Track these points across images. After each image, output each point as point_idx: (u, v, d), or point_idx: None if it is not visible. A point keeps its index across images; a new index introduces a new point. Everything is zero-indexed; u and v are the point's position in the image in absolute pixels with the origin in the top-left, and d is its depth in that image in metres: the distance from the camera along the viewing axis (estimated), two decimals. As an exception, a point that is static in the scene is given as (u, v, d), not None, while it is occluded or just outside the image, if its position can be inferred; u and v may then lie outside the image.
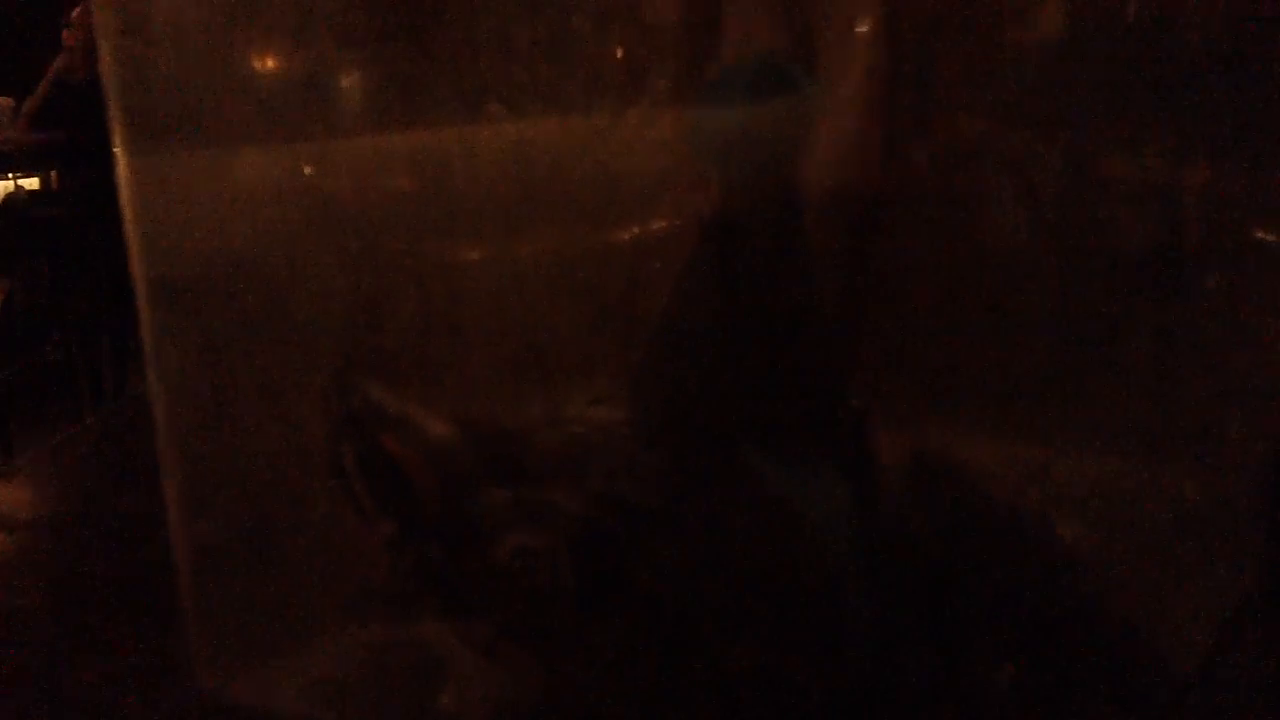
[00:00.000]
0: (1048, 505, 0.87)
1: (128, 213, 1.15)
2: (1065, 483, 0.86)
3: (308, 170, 1.18)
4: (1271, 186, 0.83)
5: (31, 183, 5.13)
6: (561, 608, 0.93)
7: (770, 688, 0.88)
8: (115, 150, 1.16)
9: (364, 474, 1.02)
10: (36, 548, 1.53)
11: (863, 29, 0.85)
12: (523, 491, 0.96)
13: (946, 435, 0.88)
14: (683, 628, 0.90)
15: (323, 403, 1.07)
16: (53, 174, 4.82)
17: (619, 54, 1.02)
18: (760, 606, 0.89)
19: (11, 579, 1.44)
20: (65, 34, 4.02)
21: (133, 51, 1.16)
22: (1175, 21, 0.83)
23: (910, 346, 0.88)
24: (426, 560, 1.00)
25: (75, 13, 3.98)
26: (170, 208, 1.19)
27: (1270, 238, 0.83)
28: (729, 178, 0.93)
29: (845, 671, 0.89)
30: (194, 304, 1.17)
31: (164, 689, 1.13)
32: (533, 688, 0.97)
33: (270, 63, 1.19)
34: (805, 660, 0.87)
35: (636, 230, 0.99)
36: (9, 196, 5.03)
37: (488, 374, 1.06)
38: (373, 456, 1.02)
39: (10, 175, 5.14)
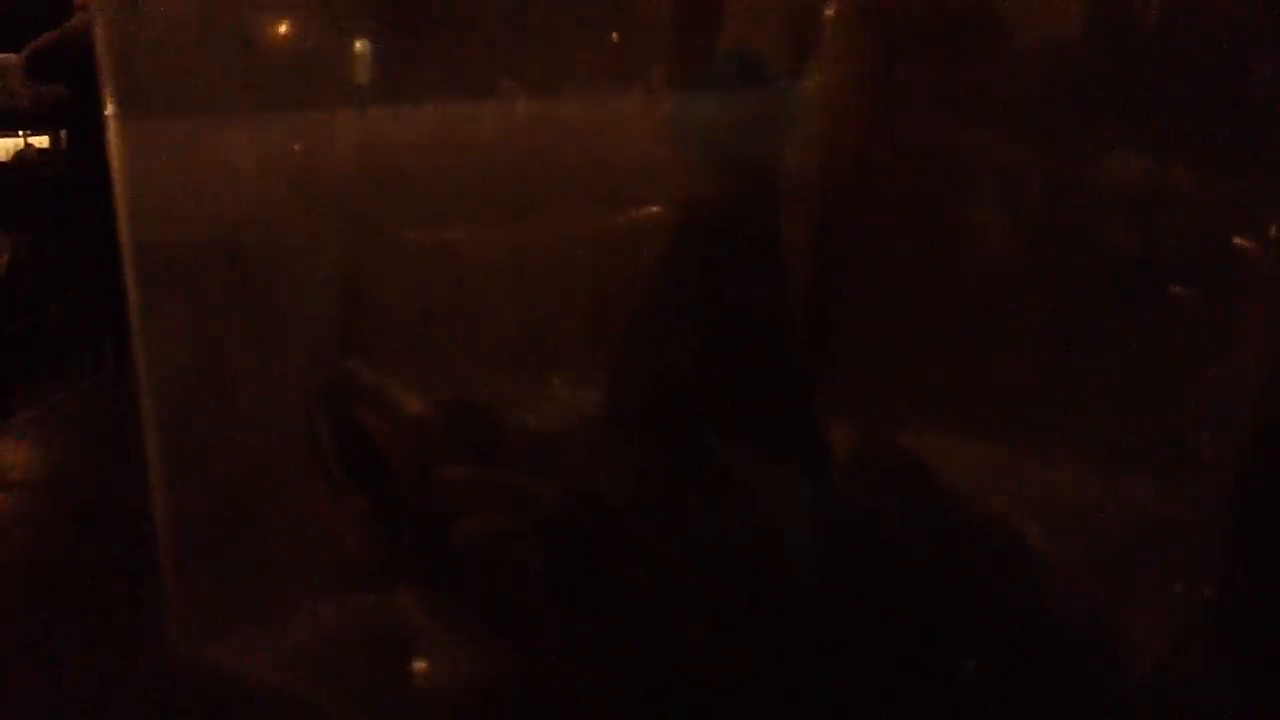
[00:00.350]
0: (1017, 508, 0.88)
1: (117, 181, 1.16)
2: (1035, 487, 0.87)
3: (301, 144, 1.19)
4: (1244, 201, 0.83)
5: (41, 140, 5.13)
6: (527, 589, 0.95)
7: (734, 676, 0.89)
8: (107, 118, 1.17)
9: (337, 445, 1.03)
10: (29, 506, 1.54)
11: (848, 29, 0.85)
12: (494, 473, 0.96)
13: (919, 436, 0.89)
14: (650, 615, 0.91)
15: (302, 374, 1.08)
16: (63, 132, 4.80)
17: (611, 41, 1.02)
18: (727, 597, 0.90)
19: (2, 536, 1.46)
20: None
21: (127, 23, 1.16)
22: (1161, 31, 0.83)
23: (885, 347, 0.88)
24: (396, 535, 1.01)
25: (85, -29, 3.95)
26: (161, 178, 1.20)
27: (1240, 254, 0.84)
28: (709, 170, 0.93)
29: (812, 663, 0.90)
30: (182, 274, 1.18)
31: (145, 650, 1.15)
32: (498, 664, 0.98)
33: (270, 36, 1.19)
34: (769, 649, 0.88)
35: (622, 218, 1.00)
36: (18, 154, 5.03)
37: (467, 354, 1.07)
38: (347, 429, 1.03)
39: (20, 132, 5.13)
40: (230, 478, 1.16)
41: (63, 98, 3.79)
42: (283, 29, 1.18)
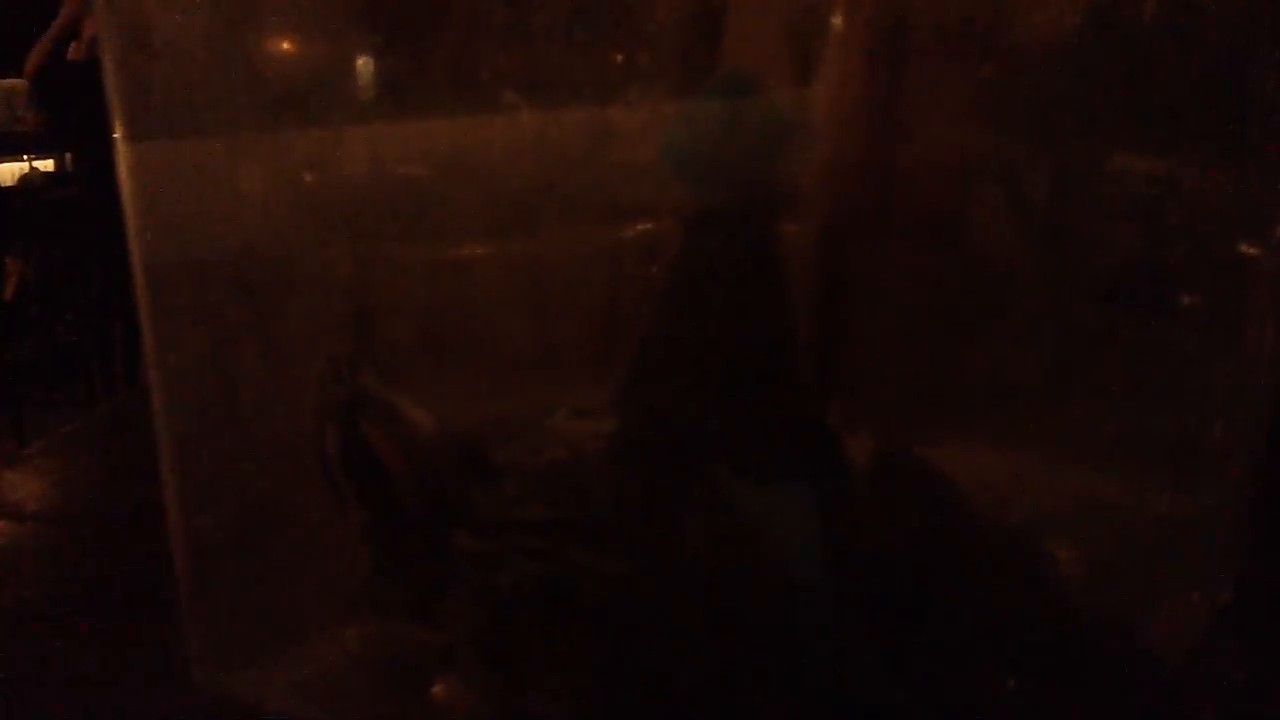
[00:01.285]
0: (1027, 517, 0.88)
1: (127, 202, 1.16)
2: (1044, 494, 0.86)
3: (310, 164, 1.19)
4: (1255, 198, 0.82)
5: (46, 164, 5.16)
6: (522, 622, 0.94)
7: (738, 708, 0.88)
8: (116, 139, 1.17)
9: (343, 459, 1.03)
10: (44, 539, 1.54)
11: (845, 37, 0.85)
12: (495, 499, 0.96)
13: (927, 447, 0.88)
14: (652, 648, 0.91)
15: (311, 385, 1.08)
16: (67, 156, 4.82)
17: (617, 57, 1.02)
18: (734, 625, 0.89)
19: (17, 570, 1.46)
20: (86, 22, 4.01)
21: (135, 46, 1.16)
22: (1162, 29, 0.83)
23: (890, 358, 0.88)
24: (400, 555, 1.01)
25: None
26: (171, 200, 1.20)
27: (1253, 250, 0.83)
28: (705, 189, 0.93)
29: (820, 691, 0.89)
30: (194, 296, 1.18)
31: (162, 683, 1.14)
32: (493, 698, 0.98)
33: (275, 49, 1.19)
34: (778, 681, 0.88)
35: (629, 235, 1.00)
36: (24, 178, 5.07)
37: (478, 372, 1.07)
38: (353, 442, 1.03)
39: (25, 157, 5.17)
40: (247, 503, 1.16)
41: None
42: (289, 50, 1.18)
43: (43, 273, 4.26)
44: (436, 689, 1.04)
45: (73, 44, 3.98)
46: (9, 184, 4.95)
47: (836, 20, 0.84)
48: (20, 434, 3.40)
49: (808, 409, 0.90)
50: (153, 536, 1.20)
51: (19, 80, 4.79)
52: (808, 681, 0.87)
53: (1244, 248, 0.84)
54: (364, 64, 1.14)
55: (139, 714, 1.11)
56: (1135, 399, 0.85)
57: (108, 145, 1.19)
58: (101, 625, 1.27)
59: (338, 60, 1.14)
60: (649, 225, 0.97)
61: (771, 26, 0.89)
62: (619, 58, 0.99)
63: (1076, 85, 0.83)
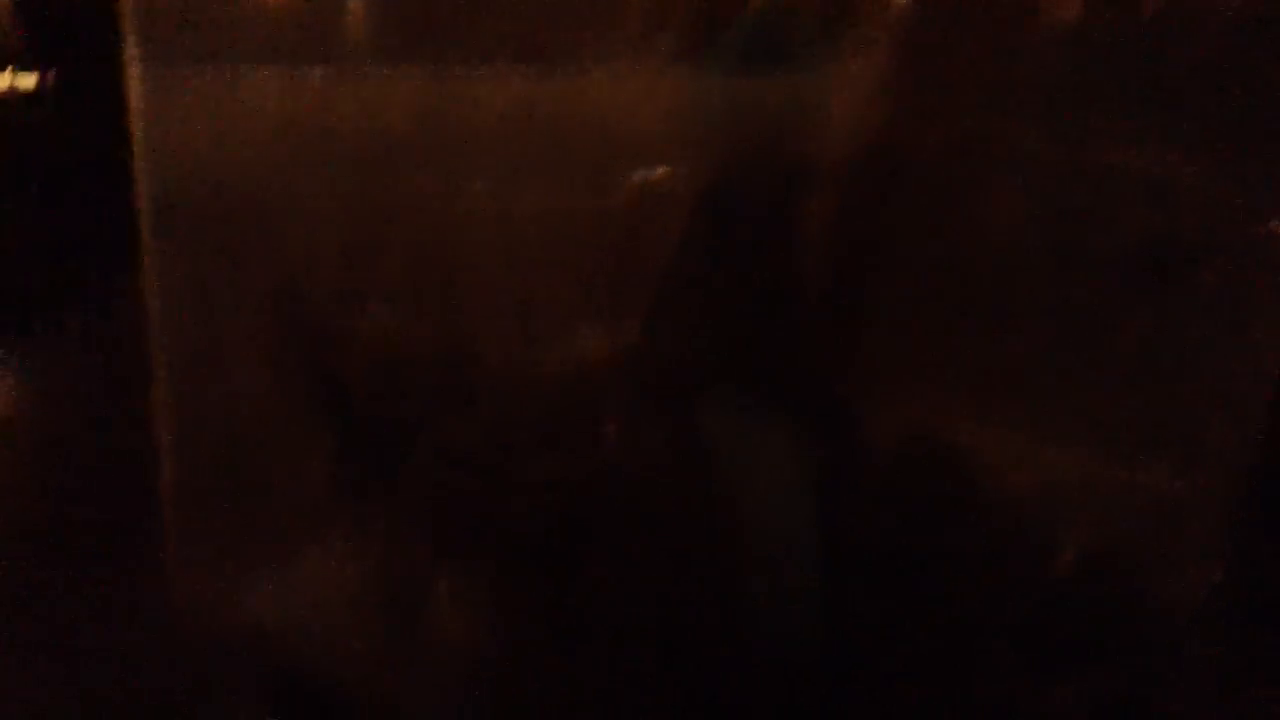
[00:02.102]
0: (1030, 493, 0.89)
1: (137, 131, 1.14)
2: (1048, 473, 0.88)
3: (314, 98, 1.18)
4: (1261, 188, 0.84)
5: (27, 81, 5.04)
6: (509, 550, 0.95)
7: (723, 662, 0.90)
8: (126, 62, 1.15)
9: (306, 370, 1.03)
10: (18, 451, 1.53)
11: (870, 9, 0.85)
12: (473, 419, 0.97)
13: (932, 421, 0.90)
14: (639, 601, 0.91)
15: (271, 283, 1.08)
16: (50, 74, 4.71)
17: (629, 9, 1.02)
18: (722, 581, 0.90)
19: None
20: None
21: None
22: (1174, 18, 0.84)
23: (901, 331, 0.89)
24: (366, 469, 1.01)
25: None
26: (179, 129, 1.19)
27: (1256, 240, 0.85)
28: (727, 141, 0.93)
29: (832, 649, 0.90)
30: (194, 227, 1.18)
31: (141, 601, 1.14)
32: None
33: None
34: (784, 632, 0.89)
35: (640, 188, 1.00)
36: None
37: (476, 308, 1.07)
38: (309, 332, 1.03)
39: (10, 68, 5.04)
40: (236, 429, 1.15)
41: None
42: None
43: (19, 209, 4.16)
44: (422, 616, 1.04)
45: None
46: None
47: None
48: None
49: (816, 371, 0.91)
50: (126, 453, 1.19)
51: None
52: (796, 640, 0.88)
53: (1253, 234, 0.86)
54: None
55: (120, 628, 1.11)
56: (1139, 384, 0.87)
57: (94, 65, 1.16)
58: (83, 534, 1.26)
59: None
60: (665, 180, 0.98)
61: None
62: (649, 11, 0.99)
63: (1089, 71, 0.85)
